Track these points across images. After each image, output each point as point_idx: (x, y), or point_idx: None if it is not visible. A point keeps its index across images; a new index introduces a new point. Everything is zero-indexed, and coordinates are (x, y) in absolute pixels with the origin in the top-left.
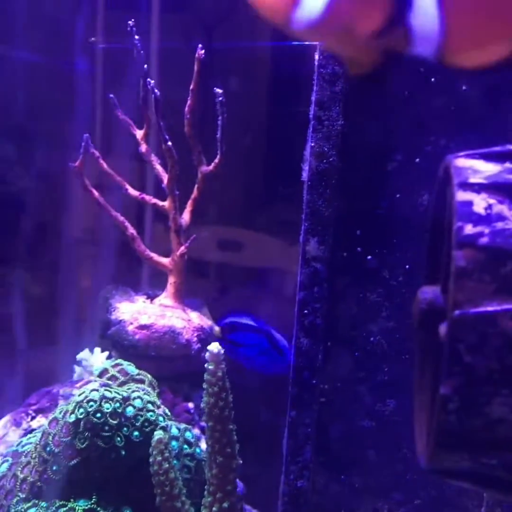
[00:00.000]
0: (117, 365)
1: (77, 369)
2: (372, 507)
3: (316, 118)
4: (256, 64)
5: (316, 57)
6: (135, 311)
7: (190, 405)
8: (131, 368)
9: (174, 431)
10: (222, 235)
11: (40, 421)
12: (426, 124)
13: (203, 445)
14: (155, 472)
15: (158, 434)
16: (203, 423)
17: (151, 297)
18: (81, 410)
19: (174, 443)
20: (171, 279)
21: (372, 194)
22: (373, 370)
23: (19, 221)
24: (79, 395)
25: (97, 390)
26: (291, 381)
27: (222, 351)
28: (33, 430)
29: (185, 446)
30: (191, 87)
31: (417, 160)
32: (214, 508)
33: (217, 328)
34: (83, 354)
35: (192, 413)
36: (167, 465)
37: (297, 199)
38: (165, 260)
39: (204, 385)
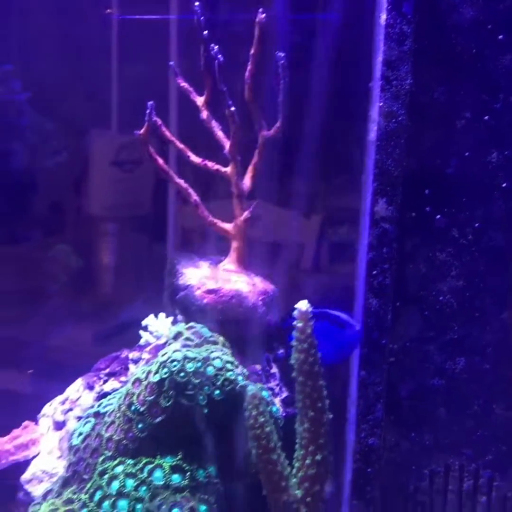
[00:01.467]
0: (190, 327)
1: (144, 334)
2: (443, 463)
3: (384, 78)
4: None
5: (383, 17)
6: (202, 276)
7: (258, 367)
8: (204, 330)
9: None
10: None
11: (113, 384)
12: (495, 81)
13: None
14: (251, 426)
15: (251, 389)
16: (270, 385)
17: (215, 263)
18: (165, 370)
19: None
20: (234, 244)
21: (441, 152)
22: (442, 329)
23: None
24: (162, 355)
25: (179, 351)
26: (361, 342)
27: (310, 308)
28: (106, 393)
29: None
30: (252, 52)
31: (486, 118)
32: (307, 461)
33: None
34: (149, 320)
35: (260, 375)
36: (262, 419)
37: (313, 171)
38: (228, 226)
39: (293, 343)
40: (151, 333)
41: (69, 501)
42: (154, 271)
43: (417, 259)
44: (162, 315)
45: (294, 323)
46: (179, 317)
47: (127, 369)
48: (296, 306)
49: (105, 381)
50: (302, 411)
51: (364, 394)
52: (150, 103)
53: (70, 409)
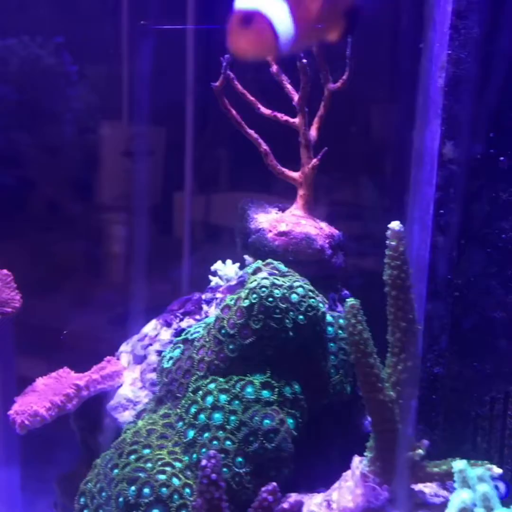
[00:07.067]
0: (268, 264)
1: (213, 278)
2: (503, 390)
3: (453, 27)
4: None
5: None
6: (273, 220)
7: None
8: (281, 266)
9: (329, 318)
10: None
11: (188, 322)
12: None
13: None
14: (350, 333)
15: (350, 300)
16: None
17: (283, 209)
18: (255, 295)
19: (330, 328)
20: (301, 192)
21: (505, 97)
22: (504, 264)
23: None
24: (251, 282)
25: (267, 278)
26: (427, 276)
27: (403, 228)
28: (183, 330)
29: (340, 331)
30: None
31: None
32: (399, 367)
33: None
34: (217, 265)
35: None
36: (360, 327)
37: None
38: (295, 174)
39: (386, 260)
40: (220, 277)
41: (166, 415)
42: (161, 260)
43: (481, 199)
44: (229, 261)
45: (387, 242)
46: (248, 260)
47: (200, 308)
48: (389, 225)
49: (181, 319)
50: (393, 322)
51: (430, 326)
52: (226, 56)
53: (150, 344)
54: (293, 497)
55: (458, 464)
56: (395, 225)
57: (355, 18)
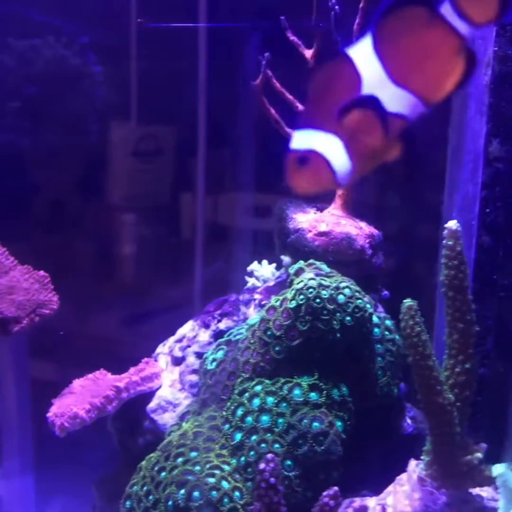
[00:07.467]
0: (310, 264)
1: (250, 279)
2: None
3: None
4: None
5: None
6: (312, 220)
7: None
8: (324, 266)
9: (375, 319)
10: (253, 201)
11: (226, 323)
12: None
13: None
14: (408, 335)
15: (407, 301)
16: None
17: (321, 209)
18: (301, 296)
19: (376, 329)
20: (339, 191)
21: None
22: None
23: None
24: (298, 283)
25: (314, 279)
26: (472, 277)
27: (460, 228)
28: (221, 331)
29: (386, 332)
30: (361, 5)
31: None
32: (456, 369)
33: None
34: (253, 266)
35: None
36: (419, 328)
37: None
38: None
39: (443, 260)
40: (257, 278)
41: (211, 418)
42: (172, 260)
43: None
44: (265, 261)
45: (444, 242)
46: (285, 261)
47: (238, 309)
48: (446, 225)
49: (219, 321)
50: (451, 323)
51: None
52: (266, 54)
53: (188, 346)
54: (358, 502)
55: (498, 468)
56: (452, 224)
57: (412, 139)
